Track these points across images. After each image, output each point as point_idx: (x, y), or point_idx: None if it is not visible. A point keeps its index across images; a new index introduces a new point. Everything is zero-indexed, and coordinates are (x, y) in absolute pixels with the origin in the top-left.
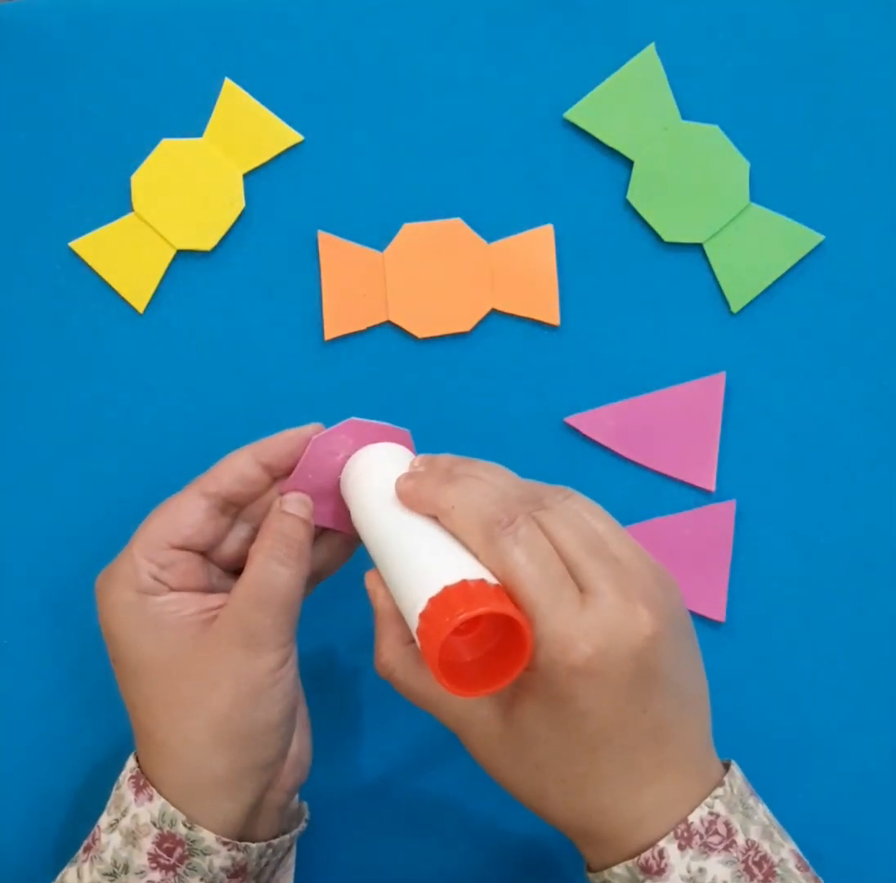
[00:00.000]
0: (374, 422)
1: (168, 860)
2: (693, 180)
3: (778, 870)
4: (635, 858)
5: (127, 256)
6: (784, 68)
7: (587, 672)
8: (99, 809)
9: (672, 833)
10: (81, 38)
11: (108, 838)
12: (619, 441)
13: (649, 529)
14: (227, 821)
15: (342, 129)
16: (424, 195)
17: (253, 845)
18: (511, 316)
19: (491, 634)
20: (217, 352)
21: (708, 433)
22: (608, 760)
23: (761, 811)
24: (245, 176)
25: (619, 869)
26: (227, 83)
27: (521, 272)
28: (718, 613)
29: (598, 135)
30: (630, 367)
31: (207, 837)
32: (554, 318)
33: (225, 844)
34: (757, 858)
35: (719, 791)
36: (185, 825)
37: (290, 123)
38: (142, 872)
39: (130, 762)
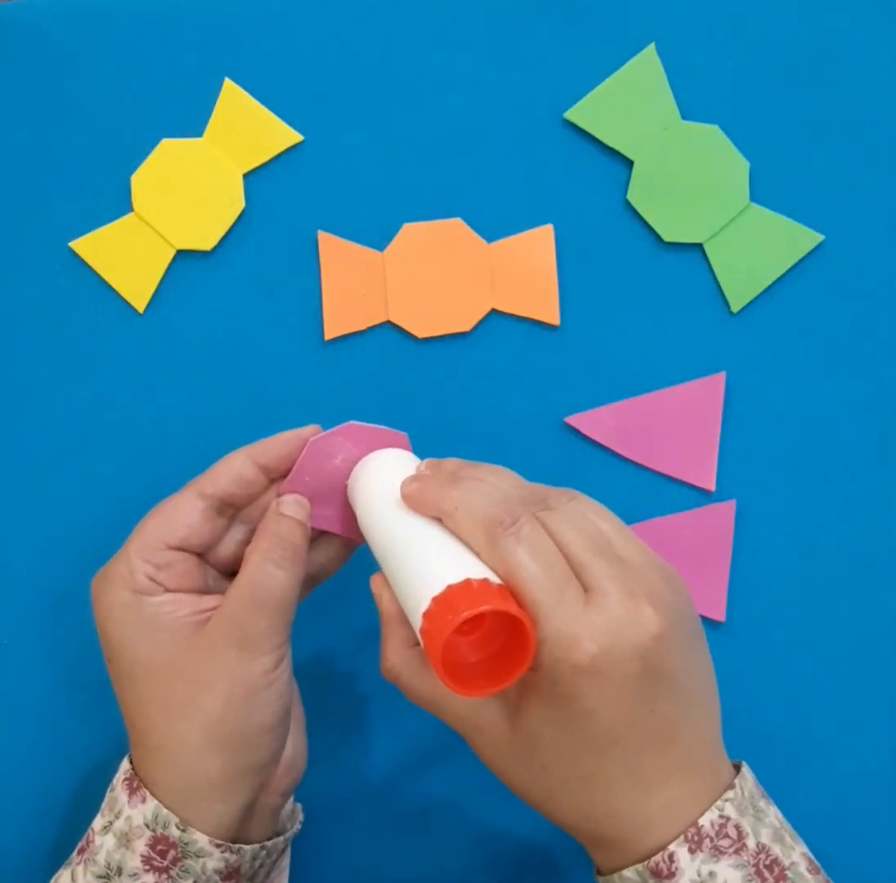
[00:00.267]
0: (373, 425)
1: (161, 862)
2: (693, 180)
3: (789, 873)
4: (645, 862)
5: (127, 256)
6: (784, 68)
7: (591, 671)
8: (95, 811)
9: (682, 836)
10: (81, 38)
11: (102, 840)
12: (619, 441)
13: (649, 529)
14: (220, 823)
15: (342, 129)
16: (424, 195)
17: (246, 847)
18: (511, 316)
19: (495, 635)
20: (217, 352)
21: (708, 433)
22: (615, 761)
23: (772, 814)
24: (245, 176)
25: (628, 872)
26: (227, 83)
27: (521, 272)
28: (718, 613)
29: (598, 135)
30: (630, 367)
31: (200, 839)
32: (554, 318)
33: (218, 846)
34: (768, 862)
35: (730, 794)
36: (177, 827)
37: (290, 123)
38: (135, 874)
39: (125, 764)
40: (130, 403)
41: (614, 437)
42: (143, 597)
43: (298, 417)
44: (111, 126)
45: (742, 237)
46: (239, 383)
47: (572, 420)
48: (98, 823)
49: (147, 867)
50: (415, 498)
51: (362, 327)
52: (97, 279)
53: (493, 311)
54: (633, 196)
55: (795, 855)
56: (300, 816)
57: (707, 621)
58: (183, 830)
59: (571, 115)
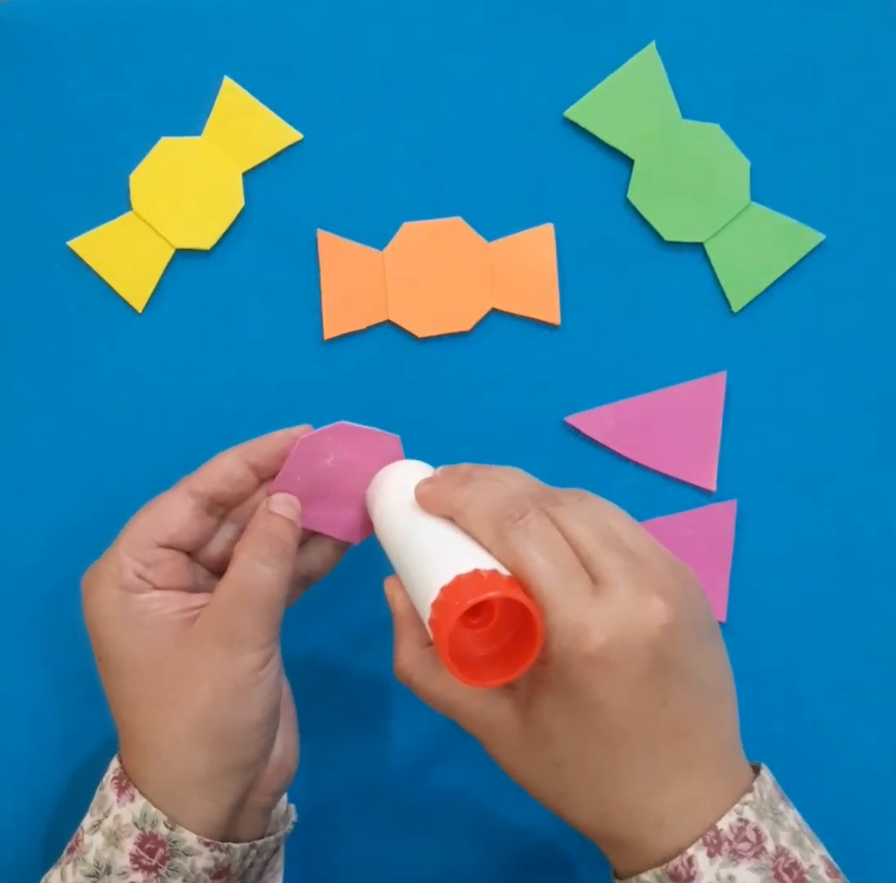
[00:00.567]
0: (363, 426)
1: (150, 861)
2: (693, 179)
3: (808, 876)
4: (664, 866)
5: (126, 255)
6: (784, 68)
7: (601, 661)
8: (86, 810)
9: (701, 840)
10: (81, 38)
11: (91, 839)
12: (619, 441)
13: (649, 529)
14: (208, 821)
15: (342, 129)
16: (424, 195)
17: (236, 846)
18: (511, 315)
19: (504, 630)
20: (216, 351)
21: (708, 433)
22: (628, 755)
23: (792, 816)
24: (244, 175)
25: (646, 877)
26: (227, 82)
27: (521, 272)
28: (719, 612)
29: (598, 134)
30: (630, 367)
31: (189, 838)
32: (554, 317)
33: (207, 844)
34: (787, 865)
35: (749, 796)
36: (166, 826)
37: (290, 122)
38: (124, 873)
39: (114, 763)
40: (129, 403)
41: (614, 437)
42: (132, 594)
43: (298, 417)
44: (110, 125)
45: (742, 237)
46: (238, 383)
47: (572, 420)
48: (87, 821)
49: (136, 866)
50: (427, 498)
51: (362, 327)
52: (96, 278)
53: (493, 311)
54: (633, 195)
55: (815, 858)
56: (293, 817)
57: None
58: (171, 829)
59: (571, 113)
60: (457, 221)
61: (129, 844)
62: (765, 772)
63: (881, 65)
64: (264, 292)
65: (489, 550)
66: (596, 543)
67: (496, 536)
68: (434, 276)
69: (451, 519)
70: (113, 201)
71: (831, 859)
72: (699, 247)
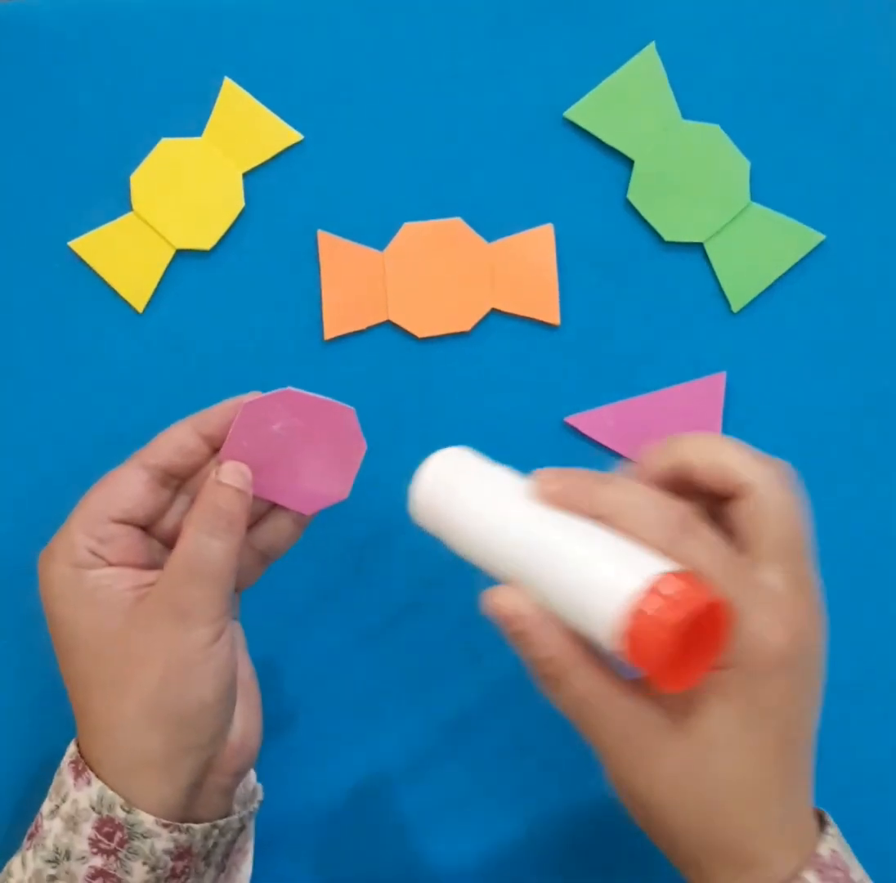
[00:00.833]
0: (313, 395)
1: (108, 845)
2: (693, 180)
3: None
4: None
5: (126, 256)
6: (784, 68)
7: (785, 667)
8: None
9: (810, 864)
10: (81, 38)
11: (50, 825)
12: (619, 441)
13: None
14: (165, 803)
15: (342, 129)
16: (424, 195)
17: (196, 827)
18: (511, 316)
19: (691, 633)
20: (217, 351)
21: (708, 433)
22: (793, 765)
23: (854, 858)
24: (244, 175)
25: None
26: (227, 82)
27: (521, 272)
28: None
29: (598, 134)
30: (630, 367)
31: (146, 820)
32: (554, 318)
33: (165, 826)
34: None
35: (832, 829)
36: (123, 809)
37: (290, 123)
38: (83, 857)
39: (71, 747)
40: (130, 403)
41: (614, 438)
42: (84, 571)
43: None
44: (110, 126)
45: (742, 237)
46: (238, 383)
47: (572, 420)
48: (46, 807)
49: (95, 850)
50: (562, 498)
51: (362, 327)
52: (97, 279)
53: (493, 311)
54: (633, 195)
55: None
56: (260, 796)
57: None
58: (128, 812)
59: (571, 114)
60: (457, 222)
61: (88, 829)
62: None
63: (881, 65)
64: (265, 293)
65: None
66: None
67: (668, 540)
68: (434, 276)
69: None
70: (113, 202)
71: None
72: (699, 247)
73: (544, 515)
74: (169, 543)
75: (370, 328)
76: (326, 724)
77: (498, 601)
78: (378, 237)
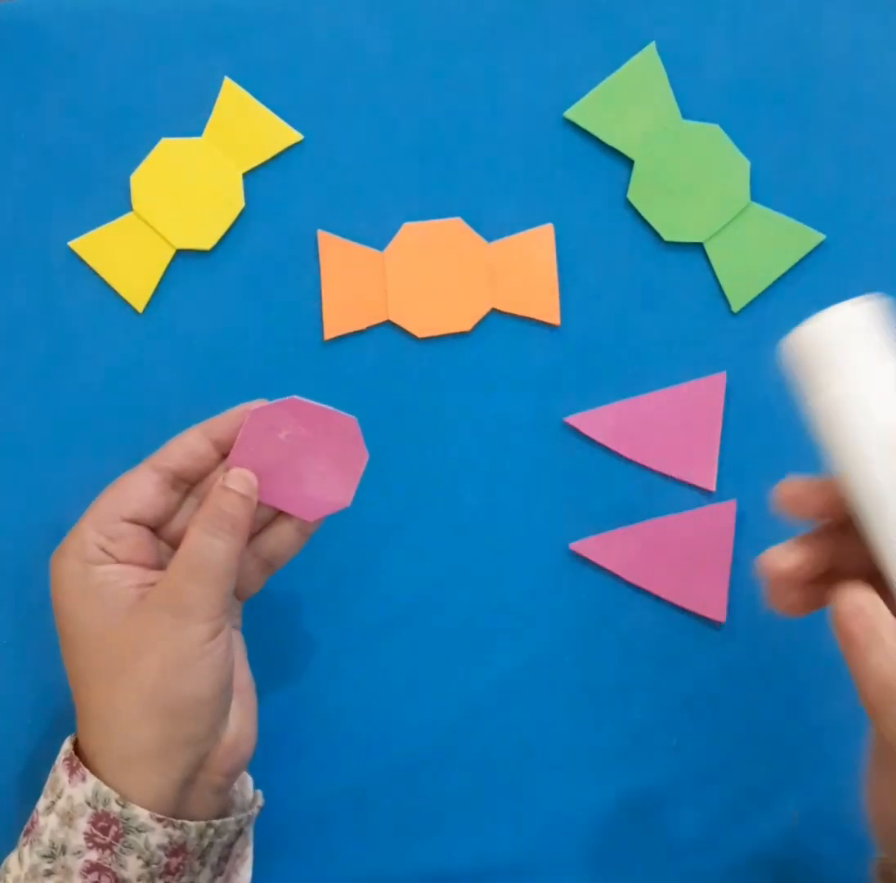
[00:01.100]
0: (318, 404)
1: (104, 839)
2: (693, 180)
3: None
4: None
5: (126, 256)
6: (784, 68)
7: None
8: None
9: None
10: (81, 38)
11: (46, 821)
12: (619, 441)
13: (649, 529)
14: (157, 796)
15: (342, 129)
16: (424, 195)
17: (191, 824)
18: (511, 316)
19: None
20: (217, 351)
21: (708, 433)
22: None
23: None
24: (245, 175)
25: None
26: (227, 82)
27: (521, 272)
28: (718, 613)
29: (598, 134)
30: (630, 367)
31: (141, 815)
32: (554, 318)
33: (159, 820)
34: None
35: None
36: (118, 803)
37: (290, 123)
38: (79, 852)
39: (66, 745)
40: (130, 403)
41: (614, 438)
42: (93, 566)
43: None
44: (111, 126)
45: (742, 237)
46: (239, 383)
47: (572, 420)
48: (41, 803)
49: (90, 844)
50: None
51: (362, 327)
52: (97, 279)
53: (493, 311)
54: (633, 196)
55: None
56: (260, 802)
57: (707, 621)
58: (123, 806)
59: (571, 114)
60: (457, 222)
61: (83, 824)
62: None
63: (881, 65)
64: (265, 293)
65: None
66: None
67: None
68: (434, 276)
69: None
70: (113, 202)
71: None
72: (699, 247)
73: None
74: (176, 545)
75: (370, 328)
76: (326, 724)
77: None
78: (378, 237)
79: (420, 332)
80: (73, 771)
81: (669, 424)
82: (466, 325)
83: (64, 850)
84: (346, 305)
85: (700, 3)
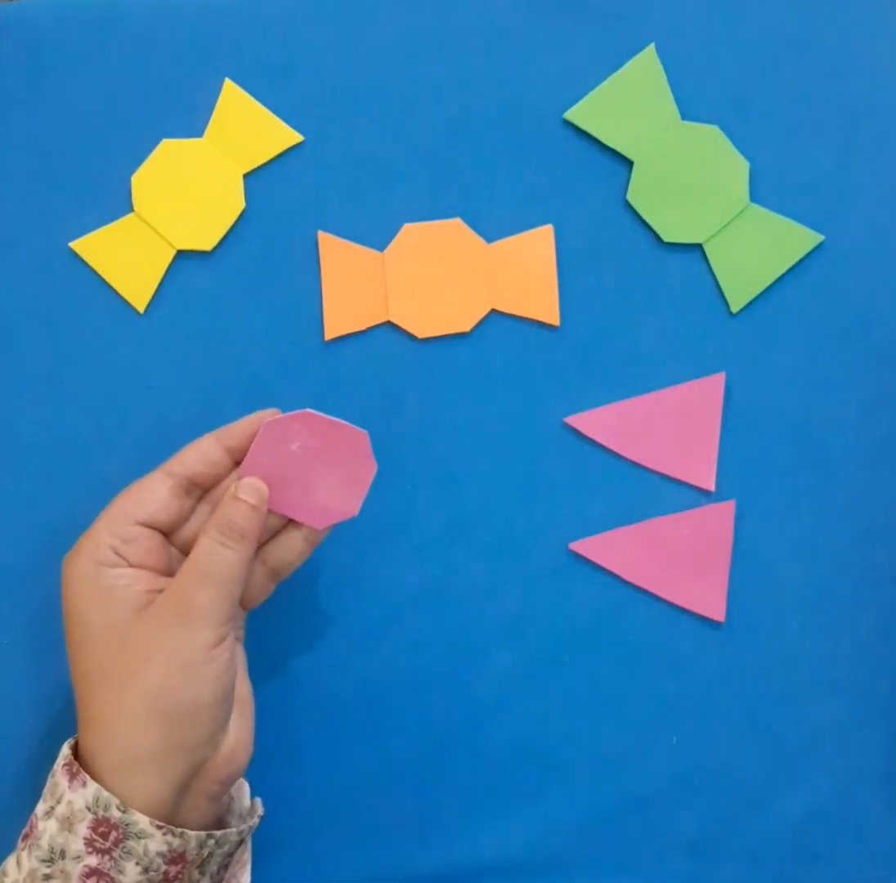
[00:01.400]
0: (330, 418)
1: (103, 844)
2: (693, 180)
3: None
4: None
5: (127, 257)
6: (784, 69)
7: None
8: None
9: None
10: (81, 38)
11: (45, 825)
12: (619, 441)
13: (649, 529)
14: (155, 800)
15: (342, 129)
16: (424, 196)
17: (191, 833)
18: (511, 316)
19: None
20: (217, 352)
21: (708, 433)
22: None
23: None
24: (245, 176)
25: None
26: (228, 83)
27: (521, 272)
28: (718, 613)
29: (598, 135)
30: (630, 367)
31: (141, 820)
32: (554, 318)
33: (159, 827)
34: None
35: None
36: (118, 809)
37: (290, 124)
38: (78, 856)
39: (64, 750)
40: (130, 404)
41: (614, 438)
42: (105, 568)
43: None
44: (111, 126)
45: (742, 237)
46: (239, 383)
47: (572, 420)
48: (40, 808)
49: (90, 849)
50: None
51: (362, 327)
52: (97, 279)
53: (493, 311)
54: (633, 196)
55: None
56: (260, 811)
57: (707, 621)
58: (124, 811)
59: (571, 115)
60: (457, 223)
61: (83, 829)
62: None
63: (881, 65)
64: (265, 293)
65: None
66: None
67: None
68: (434, 277)
69: None
70: (114, 203)
71: None
72: (698, 248)
73: None
74: (187, 551)
75: (370, 329)
76: (326, 724)
77: None
78: (378, 238)
79: (420, 333)
80: (72, 776)
81: (669, 425)
82: (466, 326)
83: (63, 854)
84: (346, 306)
85: (700, 3)
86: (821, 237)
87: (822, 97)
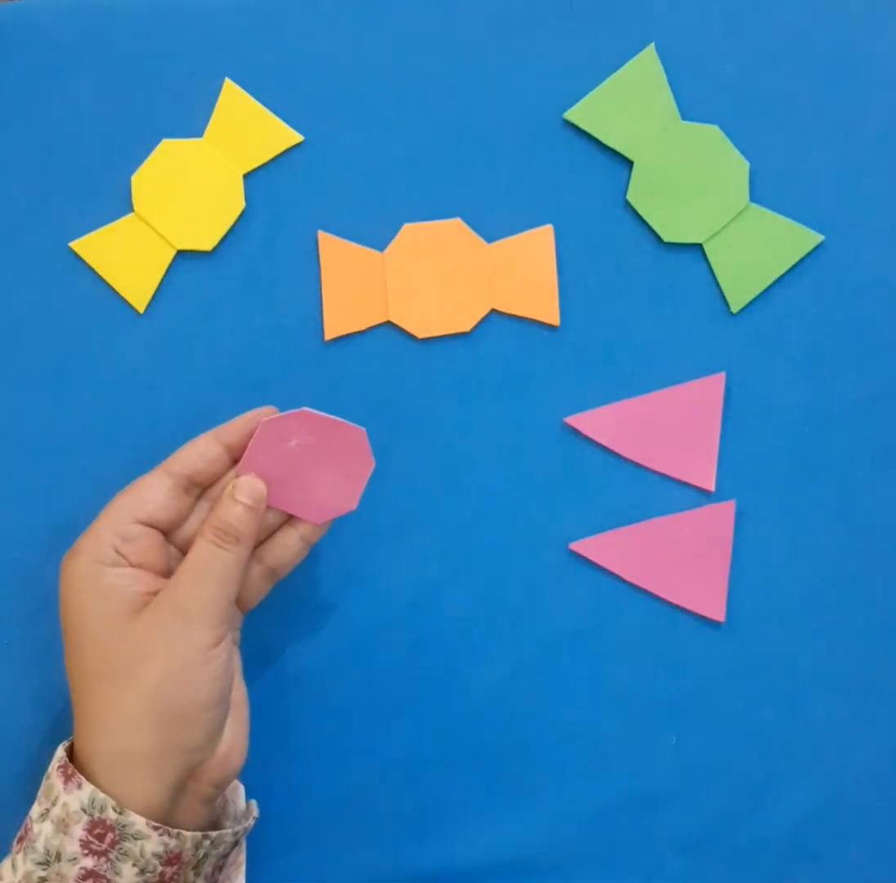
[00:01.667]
0: (328, 416)
1: (99, 846)
2: (693, 180)
3: None
4: None
5: (127, 257)
6: (784, 68)
7: None
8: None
9: None
10: (81, 38)
11: (40, 828)
12: (619, 441)
13: (649, 529)
14: (151, 802)
15: (342, 129)
16: (424, 196)
17: (187, 834)
18: (511, 316)
19: None
20: (217, 352)
21: (708, 433)
22: None
23: None
24: (245, 176)
25: None
26: (228, 83)
27: (521, 272)
28: (718, 613)
29: (598, 135)
30: (630, 367)
31: (137, 822)
32: (554, 318)
33: (155, 828)
34: None
35: None
36: (114, 810)
37: (290, 123)
38: (74, 859)
39: (59, 752)
40: (130, 404)
41: (614, 438)
42: (105, 567)
43: None
44: (111, 126)
45: (742, 237)
46: (239, 383)
47: (572, 420)
48: (35, 811)
49: (86, 851)
50: None
51: (362, 327)
52: (97, 279)
53: (493, 312)
54: (633, 196)
55: None
56: (255, 813)
57: (707, 621)
58: (120, 813)
59: (571, 115)
60: (457, 223)
61: (79, 831)
62: None
63: (881, 65)
64: (265, 293)
65: None
66: None
67: None
68: (434, 277)
69: None
70: (114, 203)
71: None
72: (698, 248)
73: None
74: (186, 550)
75: (370, 329)
76: (326, 723)
77: None
78: (378, 237)
79: (420, 333)
80: (68, 778)
81: (669, 425)
82: (466, 326)
83: (59, 857)
84: (346, 306)
85: (700, 3)
86: (821, 237)
87: (822, 97)
